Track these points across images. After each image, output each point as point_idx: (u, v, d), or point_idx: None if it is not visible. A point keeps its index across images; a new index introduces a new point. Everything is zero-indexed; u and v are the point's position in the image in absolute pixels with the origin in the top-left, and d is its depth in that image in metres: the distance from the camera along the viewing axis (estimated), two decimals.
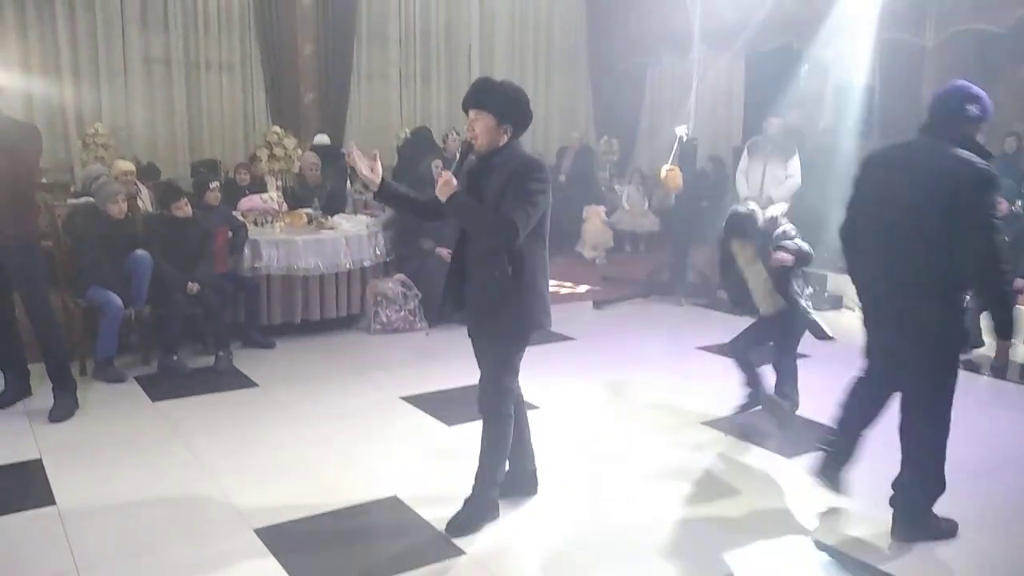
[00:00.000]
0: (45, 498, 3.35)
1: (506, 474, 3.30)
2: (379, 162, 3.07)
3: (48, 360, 4.34)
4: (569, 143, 10.86)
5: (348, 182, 7.45)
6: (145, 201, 6.59)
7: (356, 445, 4.01)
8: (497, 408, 3.12)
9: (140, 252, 5.00)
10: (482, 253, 3.02)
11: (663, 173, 7.39)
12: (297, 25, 9.74)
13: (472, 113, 2.98)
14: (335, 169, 7.51)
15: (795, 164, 7.02)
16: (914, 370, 3.04)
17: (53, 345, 4.33)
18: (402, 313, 6.12)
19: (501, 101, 2.97)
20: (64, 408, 4.27)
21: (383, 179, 3.07)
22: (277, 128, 6.53)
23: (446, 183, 2.93)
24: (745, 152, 7.36)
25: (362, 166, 3.02)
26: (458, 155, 3.08)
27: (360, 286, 6.20)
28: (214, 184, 5.81)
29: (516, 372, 3.17)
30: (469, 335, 3.20)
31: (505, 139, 2.99)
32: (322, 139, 8.83)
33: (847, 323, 7.03)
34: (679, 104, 10.82)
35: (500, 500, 3.26)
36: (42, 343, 4.32)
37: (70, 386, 4.37)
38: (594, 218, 9.72)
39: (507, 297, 2.98)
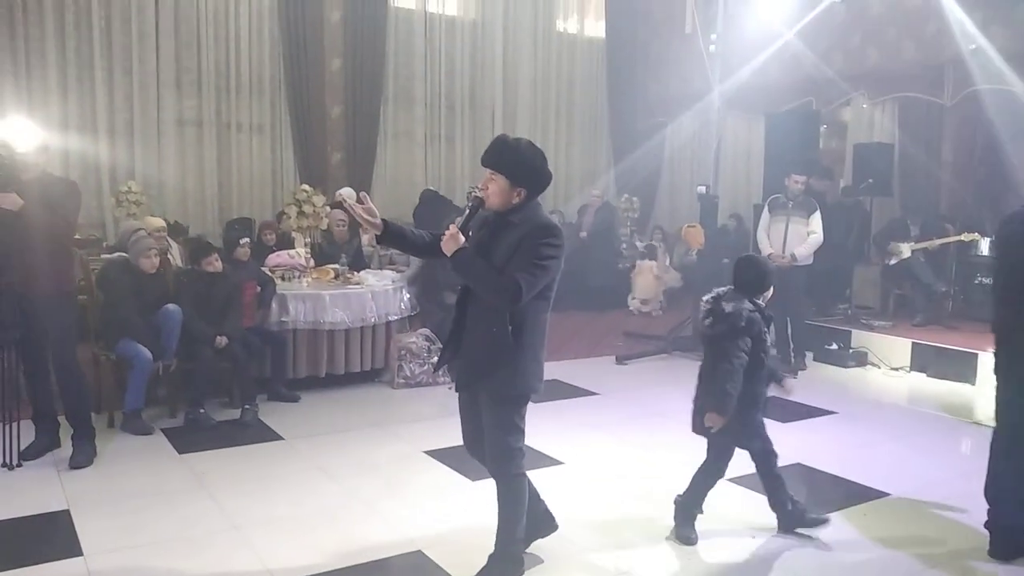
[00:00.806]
0: (72, 549, 3.36)
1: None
2: (371, 203, 2.98)
3: (69, 408, 4.44)
4: (590, 201, 10.99)
5: (361, 234, 7.54)
6: (175, 257, 6.72)
7: (380, 499, 4.01)
8: (508, 470, 3.08)
9: (171, 306, 5.10)
10: (482, 307, 2.99)
11: (684, 230, 7.45)
12: (326, 88, 10.01)
13: (488, 171, 2.97)
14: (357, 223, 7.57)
15: (817, 220, 7.04)
16: None
17: (76, 394, 4.43)
18: (426, 367, 6.14)
19: (515, 164, 2.95)
20: (84, 455, 4.36)
21: (384, 220, 3.02)
22: (306, 186, 6.68)
23: (452, 237, 2.91)
24: (766, 209, 7.40)
25: (360, 212, 2.94)
26: (467, 210, 3.02)
27: (385, 340, 6.25)
28: (244, 240, 5.93)
29: (521, 432, 3.09)
30: (456, 389, 3.18)
31: (517, 200, 2.96)
32: (348, 192, 8.97)
33: (873, 380, 6.99)
34: (699, 162, 10.97)
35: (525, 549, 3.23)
36: (65, 392, 4.42)
37: (90, 433, 4.47)
38: (647, 272, 9.80)
39: (502, 356, 2.94)
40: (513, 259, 2.89)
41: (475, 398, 3.12)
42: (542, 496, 3.39)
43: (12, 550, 3.36)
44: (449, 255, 2.93)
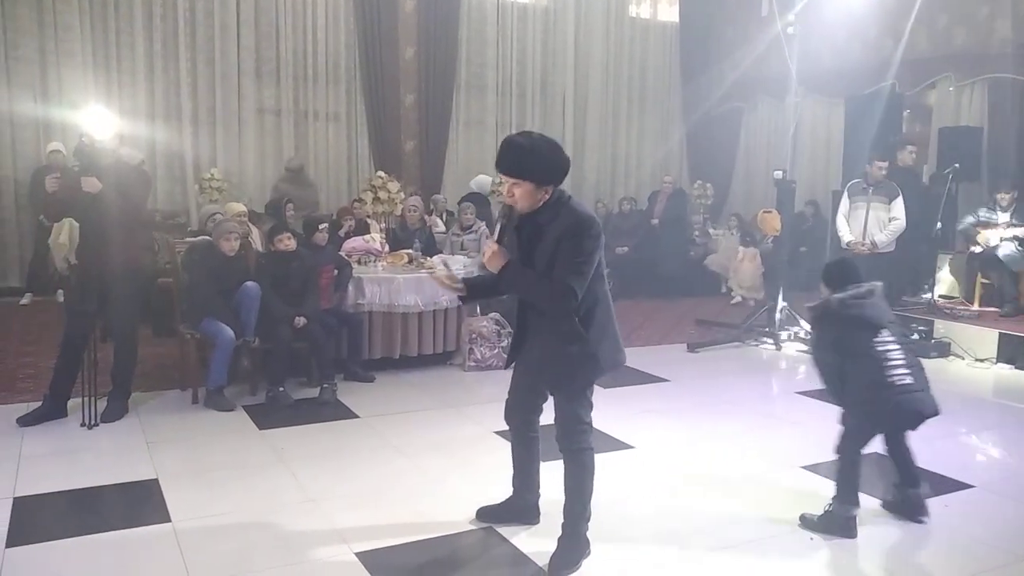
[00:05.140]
0: (161, 515, 3.53)
1: (510, 500, 3.47)
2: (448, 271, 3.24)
3: (118, 368, 4.84)
4: (661, 187, 10.88)
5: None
6: (255, 241, 6.93)
7: (452, 476, 4.08)
8: (577, 444, 3.12)
9: (249, 283, 5.27)
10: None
11: (760, 215, 7.30)
12: (400, 76, 10.18)
13: (509, 180, 2.93)
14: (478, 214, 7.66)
15: (899, 206, 6.79)
16: None
17: (128, 357, 4.85)
18: (496, 351, 6.20)
19: (536, 167, 2.90)
20: (118, 411, 4.79)
21: (464, 282, 3.29)
22: (381, 173, 6.80)
23: (494, 254, 2.93)
24: (845, 194, 7.19)
25: (444, 281, 3.28)
26: (501, 221, 3.03)
27: (456, 323, 6.34)
28: (323, 225, 6.08)
29: (590, 405, 3.15)
30: (515, 370, 3.33)
31: (546, 197, 2.95)
32: (480, 181, 9.22)
33: (956, 371, 6.75)
34: (776, 148, 10.74)
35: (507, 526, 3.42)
36: (119, 355, 4.83)
37: (127, 394, 4.89)
38: (749, 260, 9.63)
39: (574, 347, 2.97)
40: (557, 261, 2.89)
41: (531, 370, 3.20)
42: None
43: (108, 514, 3.57)
44: (496, 272, 2.97)
